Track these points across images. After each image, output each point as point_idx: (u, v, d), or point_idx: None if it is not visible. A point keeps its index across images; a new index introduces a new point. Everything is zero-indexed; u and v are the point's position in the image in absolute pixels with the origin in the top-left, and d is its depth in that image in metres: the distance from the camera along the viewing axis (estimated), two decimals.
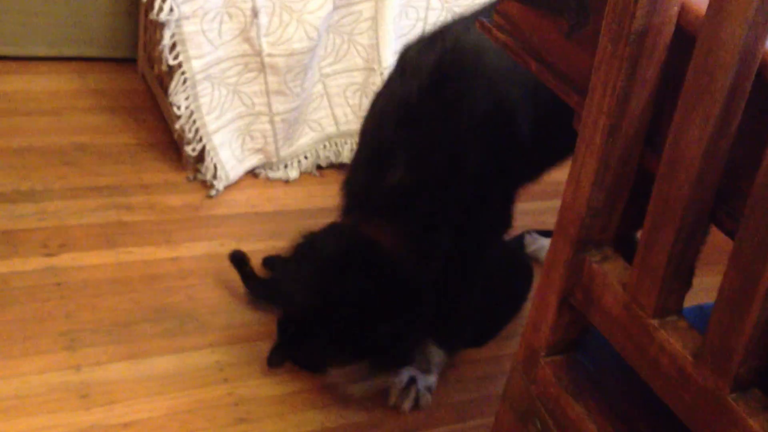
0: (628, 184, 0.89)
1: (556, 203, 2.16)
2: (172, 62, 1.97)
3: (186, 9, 1.91)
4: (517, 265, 1.91)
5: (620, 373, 0.96)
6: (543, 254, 2.10)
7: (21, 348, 1.57)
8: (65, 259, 1.78)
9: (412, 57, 1.54)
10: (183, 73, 1.98)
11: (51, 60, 2.41)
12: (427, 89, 1.46)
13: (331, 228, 1.60)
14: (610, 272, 0.90)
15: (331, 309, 1.51)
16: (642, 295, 0.85)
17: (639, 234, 0.89)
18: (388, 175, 1.47)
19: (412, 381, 1.65)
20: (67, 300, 1.69)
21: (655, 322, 0.84)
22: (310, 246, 1.59)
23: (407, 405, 1.63)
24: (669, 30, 0.81)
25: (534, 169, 1.71)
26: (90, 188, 1.99)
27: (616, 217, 0.92)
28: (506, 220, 1.63)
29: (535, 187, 2.39)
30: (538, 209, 2.31)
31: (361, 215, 1.54)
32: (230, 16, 1.98)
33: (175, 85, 1.99)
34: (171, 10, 1.89)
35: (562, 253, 0.93)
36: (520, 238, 2.11)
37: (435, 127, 1.46)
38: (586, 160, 0.87)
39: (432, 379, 1.67)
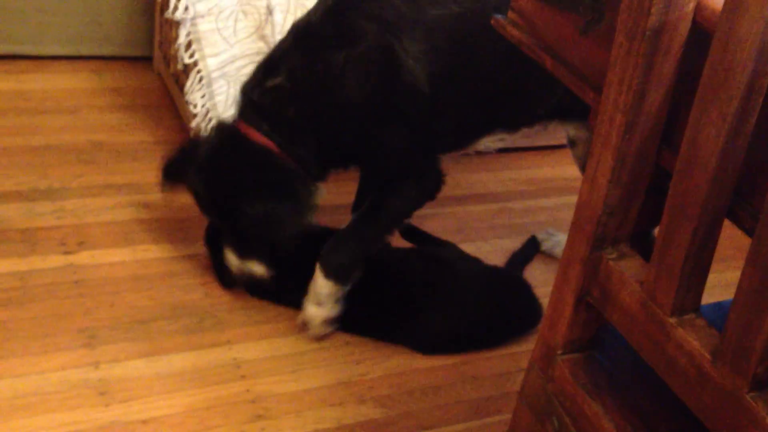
0: (645, 181, 0.89)
1: (572, 199, 2.15)
2: (187, 60, 1.98)
3: (201, 7, 1.92)
4: (517, 295, 1.89)
5: (637, 372, 0.95)
6: (559, 250, 2.09)
7: (40, 345, 1.58)
8: (84, 257, 1.79)
9: None
10: (199, 71, 1.98)
11: (68, 59, 2.43)
12: (328, 12, 1.58)
13: (216, 126, 1.75)
14: (627, 270, 0.90)
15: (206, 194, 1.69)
16: (659, 293, 0.85)
17: (656, 231, 0.89)
18: (269, 80, 1.61)
19: (306, 316, 1.70)
20: (85, 297, 1.70)
21: (672, 320, 0.84)
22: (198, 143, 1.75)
23: (310, 335, 1.71)
24: (685, 26, 0.81)
25: (450, 130, 1.74)
26: (107, 186, 2.01)
27: (633, 215, 0.91)
28: (414, 176, 1.69)
29: (549, 183, 2.40)
30: (554, 205, 2.31)
31: (242, 114, 1.66)
32: (245, 14, 1.98)
33: (191, 84, 2.00)
34: (186, 8, 1.90)
35: (579, 251, 0.93)
36: (531, 241, 2.10)
37: (323, 47, 1.58)
38: (602, 158, 0.87)
39: (324, 312, 1.69)
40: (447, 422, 1.62)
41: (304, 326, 1.71)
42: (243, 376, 1.62)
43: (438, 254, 1.85)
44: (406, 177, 1.69)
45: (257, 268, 1.70)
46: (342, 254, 1.68)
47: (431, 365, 1.75)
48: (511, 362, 1.79)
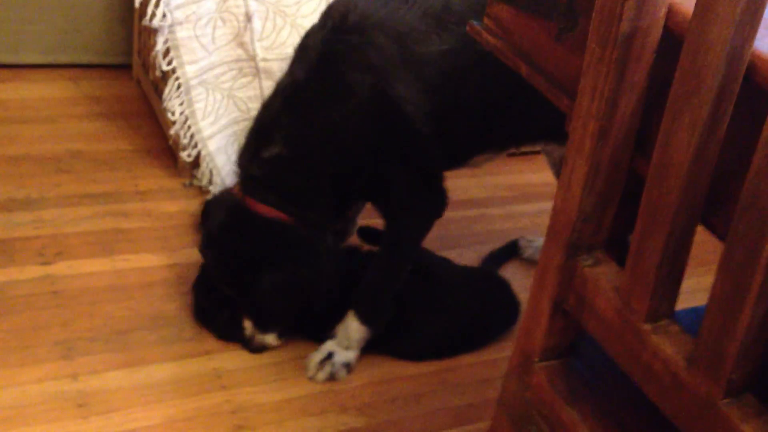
0: (619, 188, 0.89)
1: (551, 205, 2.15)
2: (165, 68, 1.97)
3: (179, 15, 1.91)
4: (496, 293, 1.90)
5: (614, 378, 0.95)
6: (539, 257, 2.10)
7: (18, 357, 1.57)
8: (62, 268, 1.78)
9: (304, 37, 1.62)
10: (177, 78, 1.97)
11: (45, 67, 2.41)
12: (313, 68, 1.54)
13: (220, 197, 1.75)
14: (602, 276, 0.90)
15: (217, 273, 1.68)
16: (634, 300, 0.85)
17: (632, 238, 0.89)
18: (265, 150, 1.59)
19: (330, 356, 1.67)
20: (63, 308, 1.69)
21: (647, 326, 0.84)
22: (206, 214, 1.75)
23: (320, 377, 1.66)
24: (656, 32, 0.81)
25: (454, 153, 1.73)
26: (86, 195, 1.99)
27: (608, 221, 0.91)
28: (421, 202, 1.68)
29: (530, 189, 2.40)
30: (535, 211, 2.31)
31: (246, 189, 1.63)
32: (223, 21, 1.98)
33: (169, 91, 1.99)
34: (164, 15, 1.89)
35: (555, 258, 0.92)
36: (512, 245, 2.10)
37: (316, 107, 1.55)
38: (576, 165, 0.87)
39: (351, 355, 1.68)
40: (429, 430, 1.62)
41: (321, 366, 1.67)
42: (223, 386, 1.61)
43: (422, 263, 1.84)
44: (413, 204, 1.68)
45: (272, 341, 1.69)
46: (376, 301, 1.68)
47: (413, 373, 1.74)
48: (493, 369, 1.78)
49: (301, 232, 1.61)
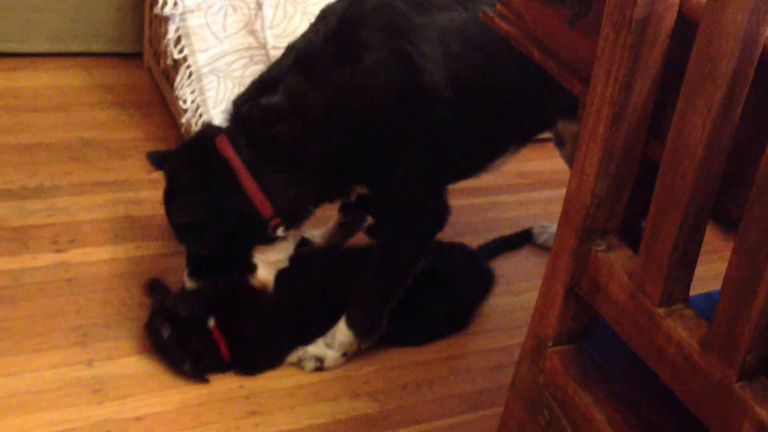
0: (633, 172, 0.89)
1: (564, 192, 2.15)
2: (177, 56, 1.97)
3: (190, 2, 1.91)
4: (473, 270, 1.88)
5: (627, 362, 0.95)
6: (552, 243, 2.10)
7: (33, 344, 1.58)
8: (75, 255, 1.79)
9: (323, 8, 1.58)
10: (188, 66, 1.98)
11: (57, 56, 2.42)
12: (332, 32, 1.50)
13: (199, 131, 1.66)
14: (615, 261, 0.90)
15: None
16: (648, 284, 0.85)
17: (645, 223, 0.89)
18: (264, 98, 1.52)
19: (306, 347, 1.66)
20: (77, 295, 1.70)
21: (661, 310, 0.84)
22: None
23: (289, 359, 1.65)
24: (671, 17, 0.81)
25: (470, 148, 1.63)
26: (98, 183, 2.00)
27: (621, 206, 0.91)
28: (417, 202, 1.60)
29: (541, 176, 2.40)
30: (546, 198, 2.31)
31: (225, 125, 1.56)
32: (234, 9, 1.98)
33: (180, 79, 2.00)
34: (175, 4, 1.90)
35: (568, 243, 0.93)
36: (527, 232, 2.10)
37: (328, 65, 1.48)
38: (590, 150, 0.87)
39: (328, 353, 1.64)
40: (441, 416, 1.63)
41: (298, 361, 1.66)
42: (236, 372, 1.62)
43: None
44: (412, 215, 1.60)
45: (188, 283, 1.63)
46: (367, 312, 1.64)
47: (425, 359, 1.75)
48: (504, 355, 1.79)
49: (240, 186, 1.51)
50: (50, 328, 1.62)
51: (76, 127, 2.18)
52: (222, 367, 1.60)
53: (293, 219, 1.57)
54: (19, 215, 1.86)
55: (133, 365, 1.58)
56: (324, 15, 1.55)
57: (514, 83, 1.54)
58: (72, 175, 2.01)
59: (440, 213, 1.64)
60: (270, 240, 1.57)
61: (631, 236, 0.98)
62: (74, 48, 2.42)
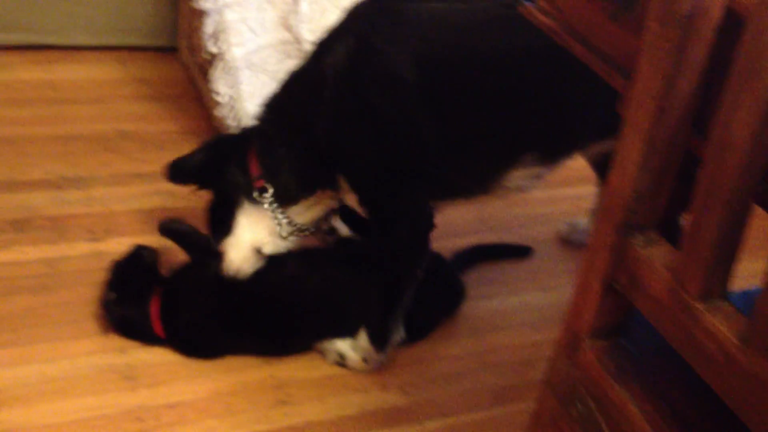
0: (675, 167, 0.89)
1: (595, 189, 2.13)
2: (213, 50, 1.99)
3: None
4: (442, 281, 1.85)
5: (664, 358, 0.95)
6: (585, 238, 2.09)
7: (69, 331, 1.61)
8: (111, 245, 1.82)
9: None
10: (224, 60, 2.00)
11: (95, 49, 2.45)
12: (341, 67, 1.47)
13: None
14: (655, 256, 0.90)
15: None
16: (688, 279, 0.85)
17: (684, 218, 0.89)
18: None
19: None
20: None
21: (700, 306, 0.84)
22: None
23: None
24: (718, 11, 0.80)
25: (465, 157, 1.53)
26: (134, 175, 2.03)
27: (662, 201, 0.91)
28: (397, 201, 1.56)
29: (572, 173, 2.39)
30: (577, 195, 2.30)
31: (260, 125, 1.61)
32: (271, 4, 2.00)
33: (216, 73, 2.01)
34: None
35: (606, 237, 0.93)
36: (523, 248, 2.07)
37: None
38: (632, 143, 0.87)
39: (350, 354, 1.66)
40: (469, 409, 1.63)
41: (323, 350, 1.68)
42: (267, 362, 1.64)
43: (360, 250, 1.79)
44: (394, 223, 1.57)
45: None
46: (380, 328, 1.65)
47: (454, 353, 1.76)
48: (534, 350, 1.79)
49: (243, 168, 1.59)
50: (85, 315, 1.65)
51: (112, 119, 2.21)
52: (155, 341, 1.62)
53: (281, 193, 1.59)
54: (57, 205, 1.89)
55: (165, 353, 1.61)
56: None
57: (513, 85, 1.45)
58: (108, 166, 2.04)
59: (419, 224, 1.59)
60: (255, 202, 1.60)
61: (669, 231, 0.97)
62: (112, 41, 2.46)
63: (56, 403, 1.47)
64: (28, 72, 2.31)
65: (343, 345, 1.66)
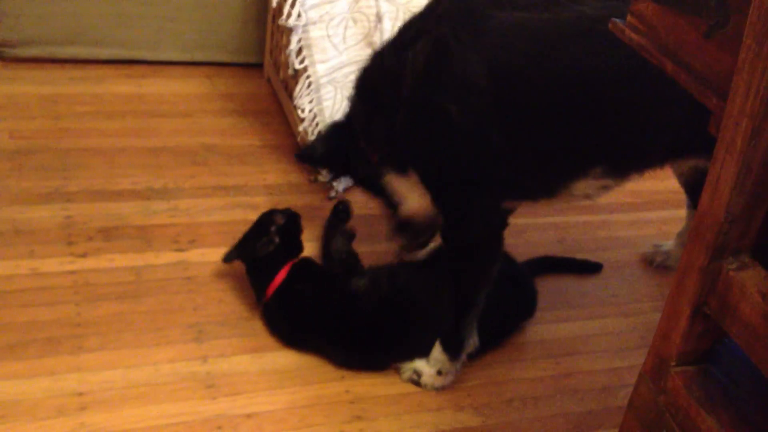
0: None
1: (679, 213, 2.08)
2: (297, 66, 2.03)
3: (313, 14, 1.96)
4: (516, 286, 1.82)
5: (755, 386, 0.92)
6: (670, 261, 2.04)
7: (152, 338, 1.65)
8: (194, 255, 1.86)
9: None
10: (308, 77, 2.03)
11: (183, 64, 2.53)
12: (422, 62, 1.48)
13: None
14: (748, 281, 0.87)
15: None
16: None
17: None
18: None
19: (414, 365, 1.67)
20: (195, 294, 1.77)
21: None
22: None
23: (404, 377, 1.67)
24: None
25: (528, 161, 1.51)
26: (218, 187, 2.07)
27: (756, 224, 0.88)
28: (466, 203, 1.55)
29: (656, 196, 2.34)
30: (660, 218, 2.25)
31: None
32: (355, 21, 2.02)
33: (300, 89, 2.05)
34: (299, 15, 1.95)
35: (697, 260, 0.90)
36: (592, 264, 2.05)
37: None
38: (725, 164, 0.84)
39: (425, 370, 1.65)
40: None
41: (399, 369, 1.69)
42: (343, 377, 1.64)
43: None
44: (462, 225, 1.58)
45: None
46: (454, 337, 1.64)
47: (531, 376, 1.73)
48: (614, 377, 1.75)
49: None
50: (169, 323, 1.69)
51: (198, 133, 2.26)
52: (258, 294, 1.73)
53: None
54: (144, 215, 1.95)
55: (245, 363, 1.63)
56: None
57: (588, 101, 1.42)
58: (194, 178, 2.09)
59: (491, 224, 1.57)
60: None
61: (763, 256, 0.94)
62: (199, 57, 2.53)
63: (138, 408, 1.50)
64: (119, 86, 2.40)
65: (419, 362, 1.66)
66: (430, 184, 1.57)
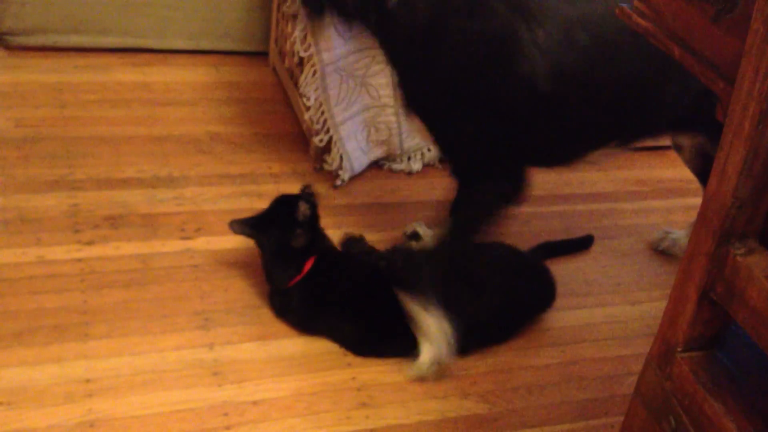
0: None
1: (686, 201, 2.09)
2: (303, 54, 2.02)
3: None
4: (533, 276, 1.83)
5: (763, 371, 0.92)
6: (676, 249, 2.04)
7: (159, 325, 1.65)
8: (201, 243, 1.86)
9: None
10: (313, 65, 2.02)
11: (189, 53, 2.52)
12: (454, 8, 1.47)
13: None
14: (755, 266, 0.87)
15: None
16: None
17: None
18: None
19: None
20: (202, 281, 1.77)
21: None
22: None
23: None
24: None
25: (562, 139, 1.62)
26: (223, 176, 2.07)
27: (763, 209, 0.88)
28: (485, 168, 1.58)
29: (662, 185, 2.34)
30: (667, 207, 2.25)
31: None
32: None
33: (305, 77, 2.04)
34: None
35: (704, 245, 0.90)
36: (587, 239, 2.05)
37: (451, 10, 1.48)
38: (733, 148, 0.84)
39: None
40: (551, 422, 1.61)
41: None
42: (349, 364, 1.65)
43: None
44: (478, 181, 1.60)
45: None
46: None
47: (536, 364, 1.73)
48: (619, 365, 1.75)
49: None
50: (175, 311, 1.69)
51: (204, 121, 2.26)
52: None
53: None
54: (150, 203, 1.95)
55: (251, 351, 1.63)
56: None
57: (623, 83, 1.53)
58: (199, 166, 2.09)
59: (511, 186, 1.61)
60: None
61: None
62: (205, 46, 2.52)
63: (145, 395, 1.51)
64: (124, 74, 2.40)
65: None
66: (445, 144, 1.60)
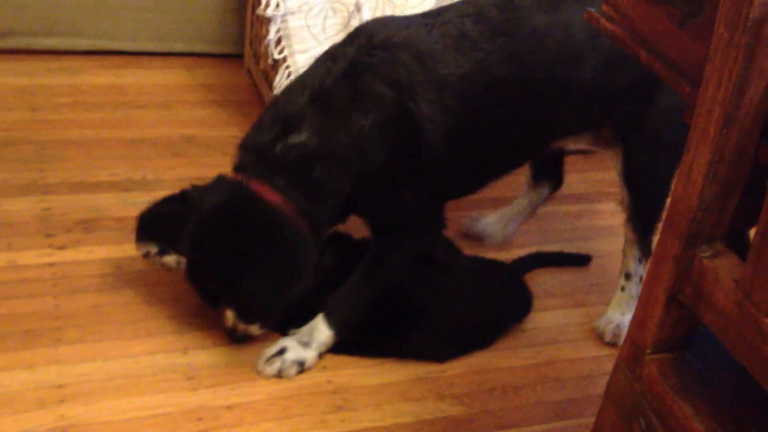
0: (743, 177, 0.86)
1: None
2: (277, 56, 2.02)
3: (292, 4, 1.95)
4: (509, 288, 1.86)
5: (730, 373, 0.93)
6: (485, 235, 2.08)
7: (132, 330, 1.64)
8: None
9: (335, 46, 1.66)
10: (287, 67, 2.02)
11: (162, 55, 2.51)
12: (344, 76, 1.58)
13: (217, 181, 1.64)
14: (721, 268, 0.88)
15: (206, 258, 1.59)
16: (756, 293, 0.82)
17: (752, 232, 0.86)
18: (292, 136, 1.57)
19: (282, 351, 1.61)
20: (175, 285, 1.75)
21: None
22: (196, 198, 1.64)
23: (268, 371, 1.60)
24: None
25: (463, 179, 1.77)
26: (198, 179, 2.03)
27: (729, 212, 0.89)
28: (417, 223, 1.71)
29: None
30: None
31: (252, 172, 1.59)
32: (334, 11, 2.01)
33: (279, 79, 2.04)
34: (277, 5, 1.94)
35: (671, 248, 0.91)
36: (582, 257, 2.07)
37: (345, 110, 1.58)
38: (698, 152, 0.85)
39: (307, 354, 1.62)
40: (527, 423, 1.61)
41: (270, 361, 1.61)
42: (325, 367, 1.64)
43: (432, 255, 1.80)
44: (406, 231, 1.70)
45: (255, 330, 1.64)
46: (348, 310, 1.65)
47: (511, 365, 1.74)
48: (594, 365, 1.76)
49: (297, 229, 1.57)
50: (149, 315, 1.68)
51: (178, 123, 2.25)
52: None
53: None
54: (123, 206, 1.93)
55: (225, 355, 1.62)
56: (334, 56, 1.63)
57: (510, 123, 1.69)
58: (174, 169, 2.08)
59: (433, 229, 1.75)
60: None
61: (736, 245, 0.95)
62: (178, 48, 2.51)
63: (118, 400, 1.49)
64: (97, 76, 2.38)
65: (294, 353, 1.62)
66: (378, 216, 1.69)
